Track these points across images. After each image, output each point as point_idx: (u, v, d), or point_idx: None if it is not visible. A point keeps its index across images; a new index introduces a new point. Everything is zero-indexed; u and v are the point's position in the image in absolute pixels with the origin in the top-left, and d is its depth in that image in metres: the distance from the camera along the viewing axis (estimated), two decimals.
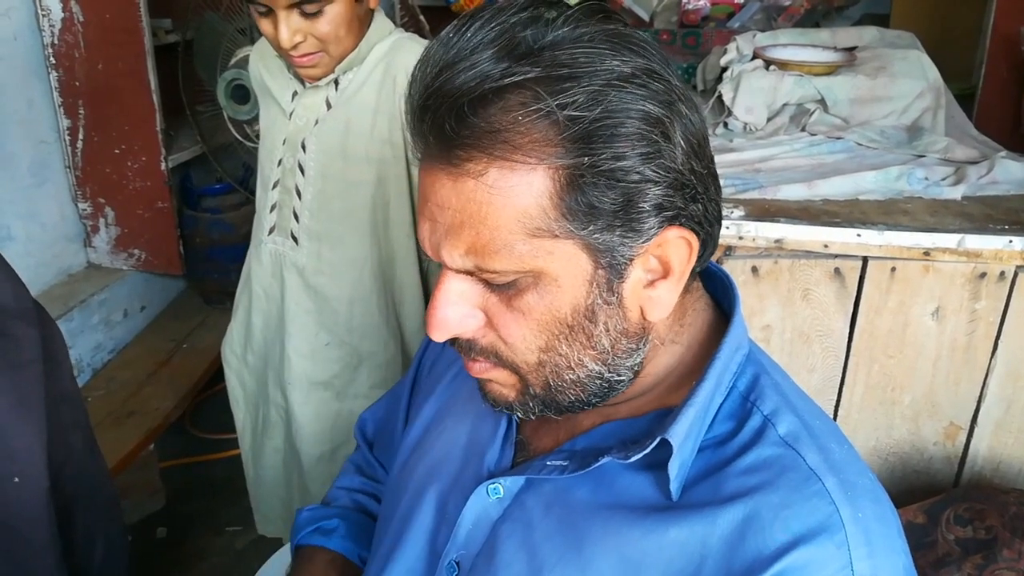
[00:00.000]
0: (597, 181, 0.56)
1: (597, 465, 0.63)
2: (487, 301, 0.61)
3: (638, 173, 0.56)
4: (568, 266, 0.58)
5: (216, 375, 2.42)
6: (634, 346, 0.63)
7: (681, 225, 0.60)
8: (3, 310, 0.77)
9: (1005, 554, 1.10)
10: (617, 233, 0.58)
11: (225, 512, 2.29)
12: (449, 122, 0.56)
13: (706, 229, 0.62)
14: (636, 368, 0.65)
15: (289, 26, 1.23)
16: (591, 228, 0.57)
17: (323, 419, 1.52)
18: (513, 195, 0.56)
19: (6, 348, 0.76)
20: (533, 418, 0.67)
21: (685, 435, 0.61)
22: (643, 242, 0.59)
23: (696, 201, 0.61)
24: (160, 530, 2.26)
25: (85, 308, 2.40)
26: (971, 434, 1.33)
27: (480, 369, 0.65)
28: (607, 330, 0.61)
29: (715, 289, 0.72)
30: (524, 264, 0.58)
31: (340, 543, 0.90)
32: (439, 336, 0.62)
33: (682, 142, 0.58)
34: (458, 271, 0.60)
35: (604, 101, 0.55)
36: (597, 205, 0.56)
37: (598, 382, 0.63)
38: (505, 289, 0.60)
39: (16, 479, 0.77)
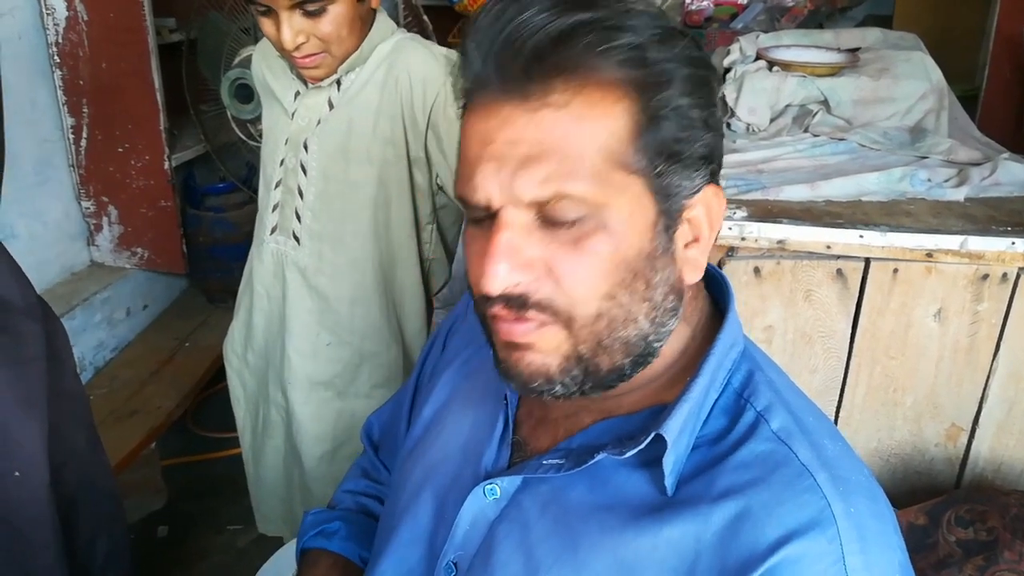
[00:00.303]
0: (669, 118, 0.59)
1: (593, 462, 0.63)
2: (548, 247, 0.59)
3: (700, 117, 0.61)
4: (637, 206, 0.60)
5: (218, 374, 2.42)
6: (675, 306, 0.64)
7: (717, 185, 0.64)
8: (8, 307, 0.77)
9: (1006, 556, 1.10)
10: (678, 177, 0.61)
11: (227, 511, 2.30)
12: (524, 57, 0.57)
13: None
14: (668, 335, 0.65)
15: (291, 26, 1.23)
16: (661, 168, 0.60)
17: (324, 419, 1.52)
18: (596, 126, 0.58)
19: (10, 344, 0.76)
20: (563, 395, 0.63)
21: (679, 430, 0.61)
22: (692, 194, 0.62)
23: (721, 167, 0.65)
24: (161, 528, 2.26)
25: (88, 306, 2.40)
26: (973, 435, 1.33)
27: (524, 331, 0.61)
28: (662, 281, 0.62)
29: (712, 290, 0.72)
30: (602, 195, 0.58)
31: (341, 544, 0.90)
32: (496, 284, 0.59)
33: (719, 101, 0.63)
34: (529, 205, 0.59)
35: (669, 45, 0.59)
36: (668, 143, 0.59)
37: (641, 345, 0.63)
38: (571, 229, 0.59)
39: (17, 474, 0.77)
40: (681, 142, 0.60)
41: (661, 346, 0.64)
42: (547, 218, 0.59)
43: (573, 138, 0.57)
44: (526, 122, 0.58)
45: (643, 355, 0.63)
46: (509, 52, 0.58)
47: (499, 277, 0.59)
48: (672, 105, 0.59)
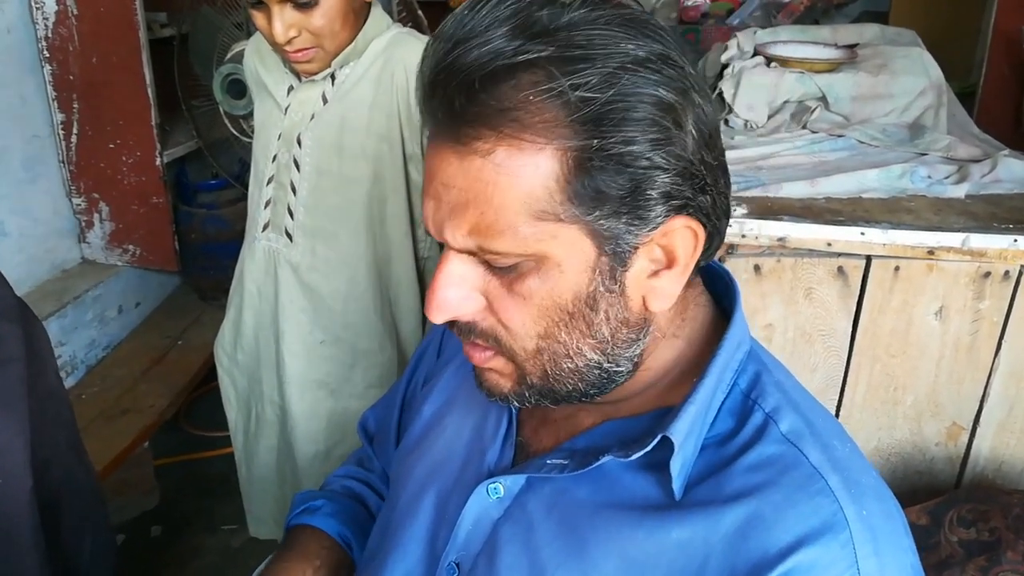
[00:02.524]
0: (605, 165, 0.55)
1: (597, 464, 0.62)
2: (488, 284, 0.60)
3: (647, 159, 0.55)
4: (571, 251, 0.57)
5: (211, 372, 2.39)
6: (634, 336, 0.62)
7: (689, 215, 0.59)
8: None
9: (1009, 556, 1.09)
10: (623, 220, 0.57)
11: (220, 510, 2.28)
12: (459, 99, 0.54)
13: (713, 222, 0.61)
14: (636, 360, 0.63)
15: (283, 20, 1.22)
16: (597, 214, 0.56)
17: (318, 418, 1.50)
18: (520, 176, 0.55)
19: None
20: (528, 406, 0.66)
21: (687, 433, 0.60)
22: (649, 230, 0.58)
23: (705, 192, 0.59)
24: (155, 528, 2.25)
25: (79, 304, 2.38)
26: (973, 434, 1.32)
27: (482, 359, 0.64)
28: (607, 319, 0.60)
29: (716, 287, 0.71)
30: (527, 247, 0.56)
31: (322, 520, 0.89)
32: (439, 317, 0.61)
33: (693, 131, 0.57)
34: (460, 251, 0.59)
35: (617, 84, 0.54)
36: (604, 190, 0.55)
37: (596, 372, 0.62)
38: (507, 272, 0.59)
39: None
40: (624, 188, 0.55)
41: (625, 370, 0.63)
42: (484, 260, 0.59)
43: (497, 188, 0.55)
44: (458, 167, 0.56)
45: (604, 380, 0.63)
46: (452, 85, 0.55)
47: (441, 309, 0.61)
48: (611, 152, 0.54)
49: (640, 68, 0.55)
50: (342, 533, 0.89)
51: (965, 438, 1.33)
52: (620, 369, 0.63)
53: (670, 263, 0.60)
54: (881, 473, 1.35)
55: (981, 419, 1.31)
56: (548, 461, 0.66)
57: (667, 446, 0.60)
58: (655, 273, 0.60)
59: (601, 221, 0.56)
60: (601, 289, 0.59)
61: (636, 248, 0.58)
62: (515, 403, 0.66)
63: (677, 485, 0.60)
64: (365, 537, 0.88)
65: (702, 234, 0.60)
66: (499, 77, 0.54)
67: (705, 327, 0.68)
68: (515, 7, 0.55)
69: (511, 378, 0.64)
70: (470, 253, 0.59)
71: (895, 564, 0.57)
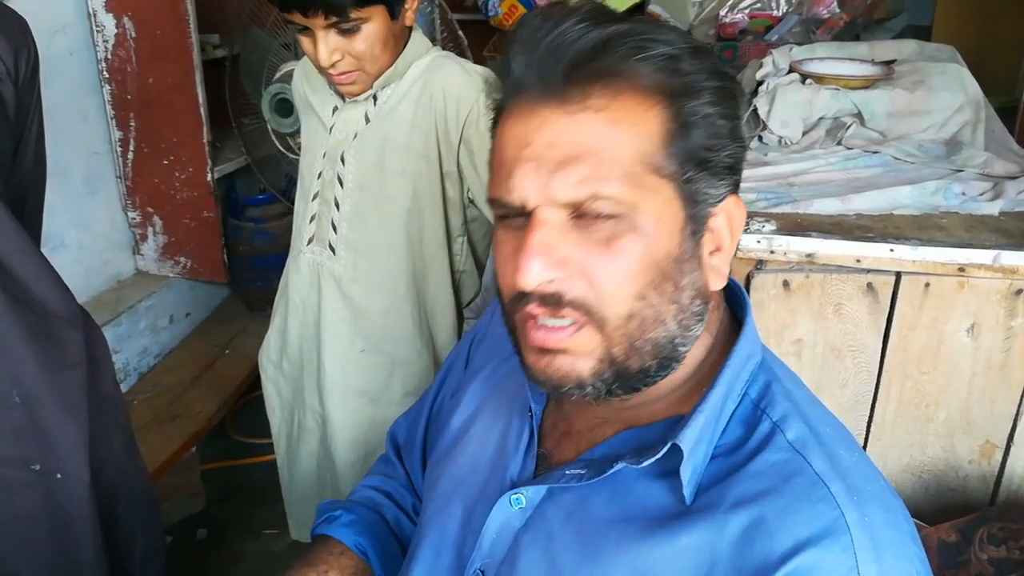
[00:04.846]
0: (698, 126, 0.62)
1: (612, 471, 0.64)
2: (582, 246, 0.61)
3: (726, 128, 0.63)
4: (667, 210, 0.62)
5: (257, 380, 2.46)
6: (700, 311, 0.66)
7: (737, 196, 0.67)
8: (52, 315, 0.81)
9: None
10: (704, 184, 0.63)
11: (263, 515, 2.34)
12: (565, 64, 0.60)
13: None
14: (694, 340, 0.66)
15: (327, 45, 1.27)
16: (689, 175, 0.62)
17: (358, 425, 1.55)
18: (631, 130, 0.61)
19: (53, 351, 0.80)
20: (596, 394, 0.64)
21: (696, 440, 0.63)
22: (716, 202, 0.64)
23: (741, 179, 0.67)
24: (200, 531, 2.31)
25: (133, 314, 2.47)
26: (1007, 452, 1.31)
27: (560, 338, 0.62)
28: (689, 285, 0.64)
29: (730, 302, 0.74)
30: (634, 196, 0.61)
31: (338, 530, 0.92)
32: (531, 278, 0.60)
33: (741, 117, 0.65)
34: (566, 204, 0.61)
35: (699, 57, 0.63)
36: (695, 150, 0.62)
37: (668, 348, 0.64)
38: (604, 231, 0.61)
39: (59, 475, 0.80)
40: (709, 150, 0.63)
41: (686, 351, 0.66)
42: (581, 219, 0.61)
43: (609, 141, 0.60)
44: (565, 125, 0.60)
45: (669, 358, 0.65)
46: (550, 59, 0.61)
47: (533, 272, 0.60)
48: (702, 114, 0.62)
49: (706, 52, 0.64)
50: (358, 542, 0.92)
51: (999, 456, 1.32)
52: (683, 349, 0.66)
53: (720, 246, 0.66)
54: (913, 490, 1.35)
55: (1015, 437, 1.29)
56: (567, 472, 0.68)
57: (678, 453, 0.62)
58: (712, 252, 0.66)
59: (690, 183, 0.62)
60: (687, 254, 0.63)
61: (707, 219, 0.64)
62: (588, 389, 0.64)
63: (688, 492, 0.62)
64: (381, 546, 0.92)
65: (744, 216, 0.67)
66: (600, 47, 0.61)
67: (724, 335, 0.71)
68: (590, 5, 0.63)
69: (592, 357, 0.63)
70: (573, 207, 0.61)
71: (897, 571, 0.58)
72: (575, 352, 0.63)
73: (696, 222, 0.64)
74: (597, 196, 0.60)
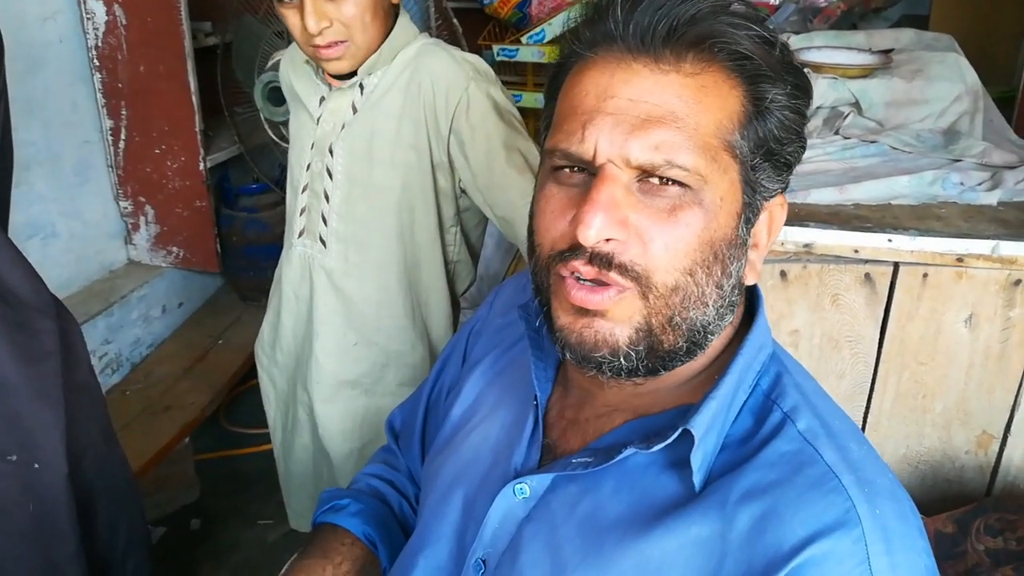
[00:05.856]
0: (774, 114, 0.62)
1: (620, 458, 0.64)
2: (642, 212, 0.60)
3: (796, 124, 0.64)
4: (731, 192, 0.62)
5: (251, 370, 2.46)
6: (736, 301, 0.66)
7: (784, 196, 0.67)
8: (23, 304, 0.80)
9: None
10: (765, 175, 0.63)
11: (258, 505, 2.33)
12: (665, 25, 0.60)
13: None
14: (721, 330, 0.66)
15: (315, 10, 1.25)
16: (756, 161, 0.62)
17: (351, 417, 1.54)
18: (715, 103, 0.60)
19: (26, 342, 0.79)
20: (623, 369, 0.63)
21: (707, 427, 0.62)
22: (770, 196, 0.64)
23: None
24: (194, 521, 2.31)
25: (125, 304, 2.46)
26: (1004, 443, 1.31)
27: (600, 301, 0.61)
28: (734, 272, 0.64)
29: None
30: (707, 170, 0.60)
31: (346, 519, 0.92)
32: (592, 232, 0.59)
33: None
34: (637, 167, 0.60)
35: (785, 49, 0.63)
36: (766, 138, 0.62)
37: (700, 332, 0.64)
38: (669, 199, 0.60)
39: (36, 465, 0.79)
40: (778, 142, 0.63)
41: (713, 339, 0.66)
42: (647, 183, 0.60)
43: (694, 108, 0.60)
44: (654, 83, 0.60)
45: (697, 343, 0.65)
46: (650, 17, 0.60)
47: (595, 227, 0.59)
48: (779, 103, 0.62)
49: (786, 47, 0.63)
50: (366, 532, 0.91)
51: (996, 447, 1.32)
52: (712, 337, 0.66)
53: (757, 243, 0.66)
54: (910, 481, 1.35)
55: (1012, 428, 1.29)
56: (573, 460, 0.68)
57: (688, 440, 0.61)
58: (752, 246, 0.65)
59: (756, 171, 0.62)
60: (739, 240, 0.63)
61: (760, 211, 0.64)
62: (620, 360, 0.62)
63: (698, 479, 0.61)
64: (389, 536, 0.91)
65: (783, 218, 0.67)
66: (701, 17, 0.60)
67: (736, 326, 0.70)
68: None
69: (630, 324, 0.62)
70: (642, 171, 0.60)
71: (908, 564, 0.58)
72: (614, 318, 0.62)
73: (751, 211, 0.64)
74: (672, 164, 0.59)
